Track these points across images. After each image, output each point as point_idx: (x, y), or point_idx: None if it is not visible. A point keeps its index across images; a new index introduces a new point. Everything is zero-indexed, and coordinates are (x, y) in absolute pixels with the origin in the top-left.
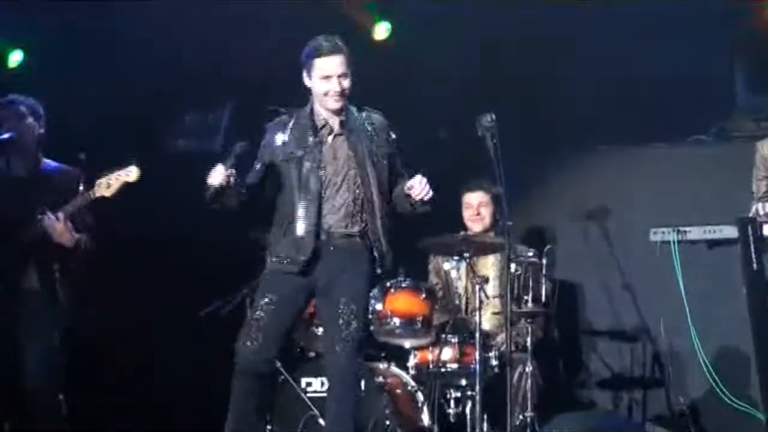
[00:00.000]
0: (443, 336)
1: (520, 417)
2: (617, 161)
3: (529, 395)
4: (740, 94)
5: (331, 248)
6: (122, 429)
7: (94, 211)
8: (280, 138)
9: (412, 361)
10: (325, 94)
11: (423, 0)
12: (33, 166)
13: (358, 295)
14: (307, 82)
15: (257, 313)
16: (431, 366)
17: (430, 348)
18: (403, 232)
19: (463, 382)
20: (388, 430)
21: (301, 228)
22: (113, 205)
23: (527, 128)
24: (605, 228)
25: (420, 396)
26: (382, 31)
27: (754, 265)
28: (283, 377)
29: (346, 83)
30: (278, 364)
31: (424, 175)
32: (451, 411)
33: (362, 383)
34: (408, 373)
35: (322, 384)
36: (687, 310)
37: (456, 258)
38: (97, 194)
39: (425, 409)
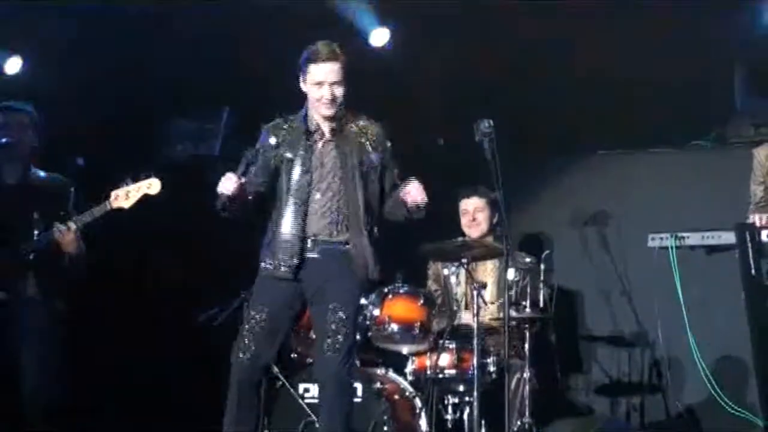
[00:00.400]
0: (441, 342)
1: (518, 423)
2: (616, 166)
3: (527, 401)
4: (739, 99)
5: (317, 255)
6: None
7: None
8: (274, 140)
9: (410, 367)
10: (318, 100)
11: (421, 6)
12: (23, 175)
13: (346, 302)
14: (302, 86)
15: (250, 323)
16: (429, 372)
17: (428, 354)
18: (401, 238)
19: (461, 387)
20: None
21: (286, 233)
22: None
23: (525, 133)
24: (603, 233)
25: (418, 402)
26: (380, 37)
27: (753, 271)
28: (280, 383)
29: (339, 91)
30: (276, 370)
31: (419, 180)
32: (449, 417)
33: (359, 389)
34: (406, 378)
35: None
36: (685, 315)
37: (455, 264)
38: (115, 205)
39: (423, 415)
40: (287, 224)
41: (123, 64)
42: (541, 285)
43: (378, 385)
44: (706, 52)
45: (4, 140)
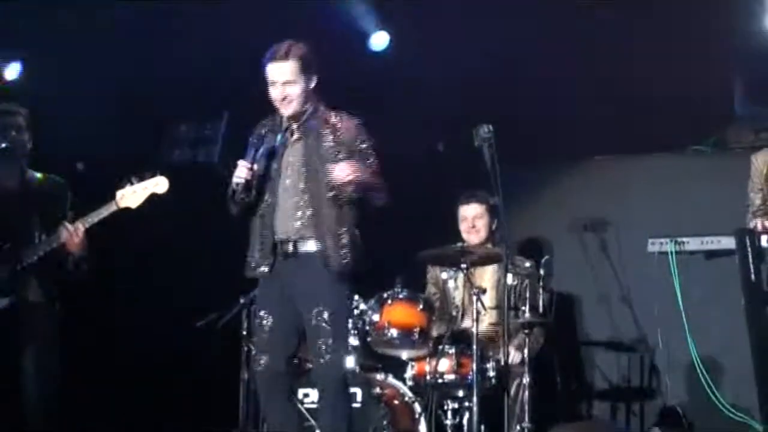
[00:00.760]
0: (440, 347)
1: (518, 428)
2: (615, 172)
3: (526, 406)
4: (739, 104)
5: (289, 253)
6: None
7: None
8: (258, 140)
9: (409, 372)
10: (274, 100)
11: (421, 11)
12: (21, 177)
13: (328, 301)
14: None
15: (257, 334)
16: (429, 377)
17: (428, 359)
18: (400, 243)
19: (461, 393)
20: None
21: (260, 229)
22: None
23: (524, 139)
24: (603, 239)
25: (417, 407)
26: (380, 41)
27: (752, 276)
28: None
29: (292, 90)
30: None
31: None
32: (448, 422)
33: (358, 394)
34: (405, 384)
35: None
36: (685, 320)
37: (453, 269)
38: (122, 205)
39: (422, 420)
40: (261, 221)
41: (123, 68)
42: (541, 290)
43: (377, 390)
44: (706, 57)
45: (3, 145)
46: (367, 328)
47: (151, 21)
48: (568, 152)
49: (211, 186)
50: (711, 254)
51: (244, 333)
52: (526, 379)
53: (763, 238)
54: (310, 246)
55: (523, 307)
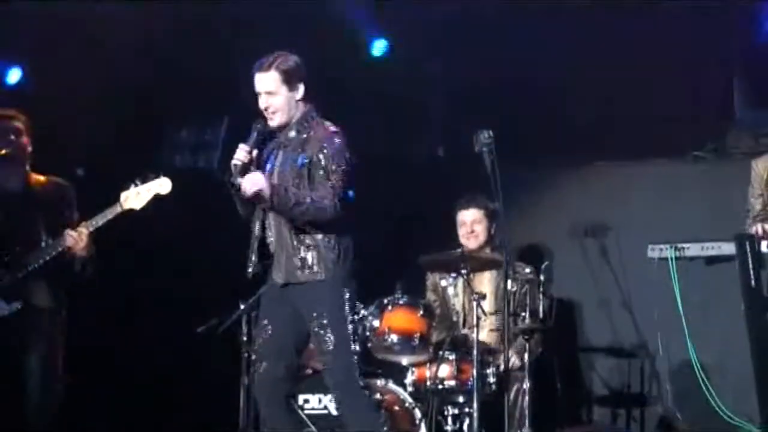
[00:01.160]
0: (441, 353)
1: None
2: (615, 177)
3: (526, 412)
4: (739, 109)
5: (279, 261)
6: None
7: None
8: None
9: (409, 378)
10: (262, 110)
11: (421, 16)
12: (25, 181)
13: (322, 307)
14: None
15: (258, 341)
16: (429, 383)
17: (428, 365)
18: (400, 249)
19: (461, 398)
20: None
21: (253, 236)
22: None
23: (524, 144)
24: (603, 244)
25: (418, 413)
26: (379, 47)
27: (752, 282)
28: None
29: (275, 101)
30: None
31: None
32: (448, 428)
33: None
34: (405, 389)
35: (320, 401)
36: (685, 326)
37: (453, 275)
38: (126, 207)
39: (423, 426)
40: (254, 227)
41: (124, 73)
42: (541, 296)
43: (378, 396)
44: (706, 63)
45: (3, 150)
46: (368, 333)
47: (152, 25)
48: (568, 158)
49: (212, 191)
50: (711, 260)
51: (245, 339)
52: (526, 385)
53: (764, 243)
54: (285, 257)
55: (523, 313)
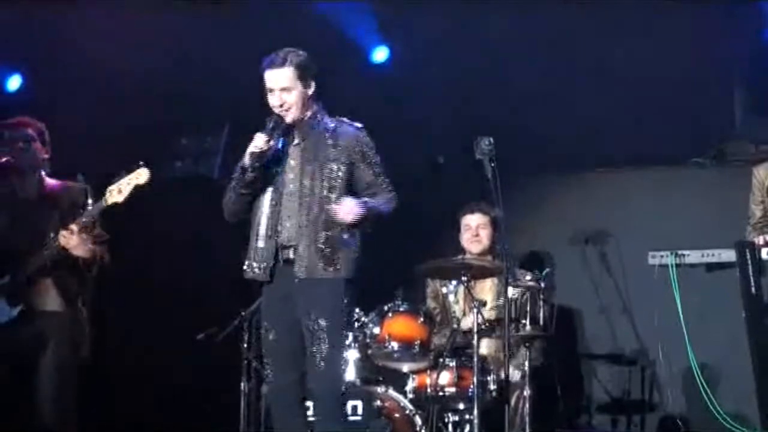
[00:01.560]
0: (441, 360)
1: None
2: (615, 184)
3: (527, 419)
4: (739, 117)
5: (290, 259)
6: None
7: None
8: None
9: (410, 385)
10: (273, 108)
11: (421, 24)
12: (39, 187)
13: (324, 308)
14: None
15: (264, 347)
16: (429, 390)
17: (428, 372)
18: (401, 256)
19: (461, 406)
20: None
21: (262, 234)
22: (113, 226)
23: (525, 152)
24: (603, 251)
25: (418, 420)
26: (380, 54)
27: (753, 289)
28: None
29: (289, 97)
30: None
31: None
32: None
33: (359, 407)
34: (406, 397)
35: None
36: (685, 333)
37: (454, 282)
38: (110, 201)
39: None
40: (262, 226)
41: (124, 80)
42: (541, 303)
43: (378, 403)
44: (707, 70)
45: (4, 159)
46: (368, 340)
47: (152, 34)
48: (569, 165)
49: (212, 197)
50: (711, 267)
51: (245, 345)
52: (526, 392)
53: (764, 251)
54: (308, 251)
55: (524, 320)
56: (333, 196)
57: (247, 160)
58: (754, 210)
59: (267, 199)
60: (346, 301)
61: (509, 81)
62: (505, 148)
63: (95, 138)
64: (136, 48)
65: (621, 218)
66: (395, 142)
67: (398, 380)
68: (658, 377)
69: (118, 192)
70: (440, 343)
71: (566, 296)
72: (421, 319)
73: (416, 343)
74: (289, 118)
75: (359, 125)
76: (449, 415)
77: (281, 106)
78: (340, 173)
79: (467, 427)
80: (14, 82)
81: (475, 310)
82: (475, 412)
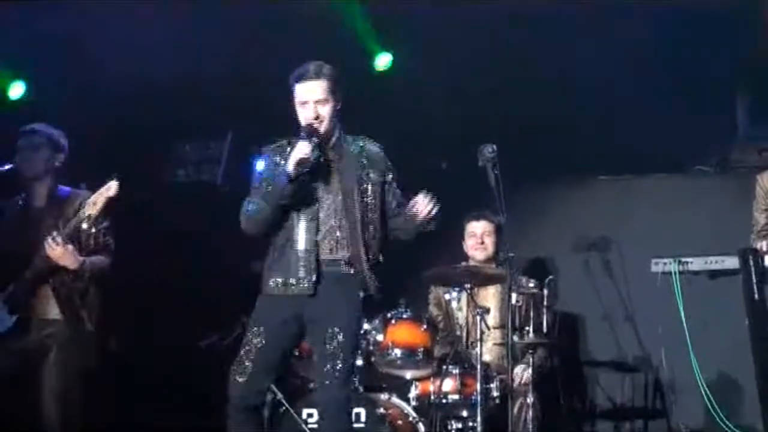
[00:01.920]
0: (444, 367)
1: None
2: (619, 192)
3: (530, 426)
4: (742, 124)
5: (320, 275)
6: None
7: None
8: (280, 160)
9: (413, 392)
10: (304, 120)
11: (424, 31)
12: (49, 195)
13: (345, 326)
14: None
15: (247, 345)
16: (432, 397)
17: (432, 379)
18: (404, 263)
19: (465, 413)
20: None
21: (301, 249)
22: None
23: (528, 159)
24: (606, 259)
25: (421, 427)
26: (383, 61)
27: (756, 296)
28: (284, 408)
29: (324, 110)
30: (279, 396)
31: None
32: None
33: (363, 414)
34: (409, 404)
35: None
36: (688, 340)
37: (457, 289)
38: (87, 213)
39: None
40: (301, 241)
41: (128, 88)
42: (545, 310)
43: (381, 410)
44: (710, 77)
45: (7, 166)
46: (371, 347)
47: (154, 42)
48: (572, 172)
49: (215, 205)
50: (715, 274)
51: None
52: (529, 399)
53: (767, 258)
54: (347, 268)
55: (527, 327)
56: (374, 216)
57: (291, 168)
58: (758, 217)
59: (302, 214)
60: (360, 316)
61: (512, 88)
62: (508, 155)
63: (98, 145)
64: (141, 55)
65: (624, 225)
66: (398, 149)
67: (401, 387)
68: (661, 384)
69: (93, 204)
70: (445, 352)
71: (569, 303)
72: (424, 326)
73: (419, 350)
74: (321, 131)
75: (380, 145)
76: (452, 422)
77: (316, 118)
78: (375, 192)
79: None
80: (17, 90)
81: (478, 317)
82: (479, 419)
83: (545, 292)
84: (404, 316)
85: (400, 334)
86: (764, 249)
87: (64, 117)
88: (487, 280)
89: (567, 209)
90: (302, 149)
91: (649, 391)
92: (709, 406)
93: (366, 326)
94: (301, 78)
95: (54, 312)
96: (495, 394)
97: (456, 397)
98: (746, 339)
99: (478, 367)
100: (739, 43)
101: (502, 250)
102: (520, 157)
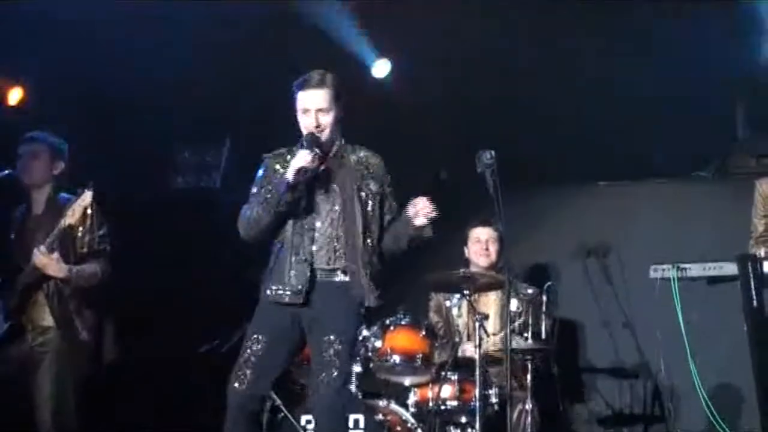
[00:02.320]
0: (443, 373)
1: None
2: (617, 198)
3: None
4: (741, 130)
5: (317, 283)
6: None
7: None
8: (279, 168)
9: (412, 399)
10: (306, 128)
11: (422, 38)
12: (49, 202)
13: (343, 333)
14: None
15: (246, 352)
16: (431, 403)
17: (430, 385)
18: (403, 269)
19: (463, 419)
20: None
21: (294, 259)
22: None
23: (527, 165)
24: (605, 265)
25: None
26: (382, 68)
27: (755, 302)
28: (282, 414)
29: (325, 118)
30: (278, 402)
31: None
32: None
33: (361, 421)
34: (408, 410)
35: None
36: (687, 346)
37: (458, 296)
38: (67, 222)
39: None
40: (295, 250)
41: (126, 94)
42: (543, 316)
43: (380, 416)
44: (708, 84)
45: (6, 172)
46: (370, 354)
47: (154, 48)
48: (571, 178)
49: (214, 211)
50: (713, 280)
51: None
52: (528, 405)
53: (766, 264)
54: (346, 277)
55: (526, 333)
56: (373, 227)
57: (291, 176)
58: (757, 224)
59: (299, 222)
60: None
61: (511, 95)
62: (506, 162)
63: (95, 152)
64: (140, 62)
65: (623, 231)
66: (397, 157)
67: (400, 394)
68: (660, 390)
69: (71, 215)
70: (444, 359)
71: (568, 309)
72: (423, 333)
73: (418, 356)
74: (322, 139)
75: (379, 156)
76: (451, 428)
77: (317, 127)
78: (373, 200)
79: None
80: (15, 96)
81: (477, 324)
82: (477, 425)
83: (544, 298)
84: (403, 322)
85: (399, 340)
86: (763, 255)
87: (62, 124)
88: (486, 286)
89: (566, 215)
90: (303, 157)
91: (648, 397)
92: (708, 412)
93: (365, 332)
94: (304, 85)
95: (48, 319)
96: (494, 400)
97: (455, 403)
98: (745, 345)
99: (477, 373)
100: (737, 51)
101: (501, 257)
102: (519, 164)
